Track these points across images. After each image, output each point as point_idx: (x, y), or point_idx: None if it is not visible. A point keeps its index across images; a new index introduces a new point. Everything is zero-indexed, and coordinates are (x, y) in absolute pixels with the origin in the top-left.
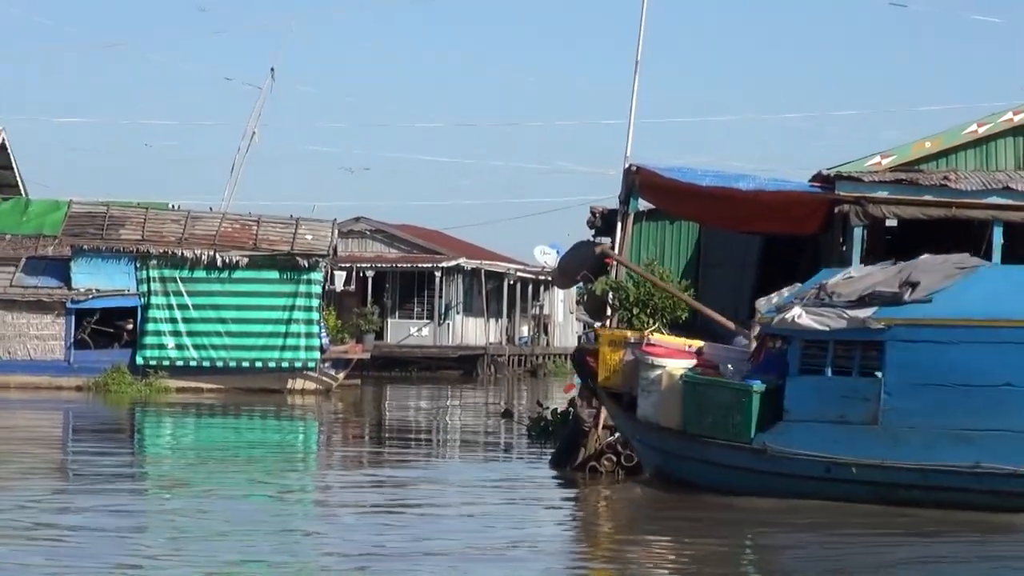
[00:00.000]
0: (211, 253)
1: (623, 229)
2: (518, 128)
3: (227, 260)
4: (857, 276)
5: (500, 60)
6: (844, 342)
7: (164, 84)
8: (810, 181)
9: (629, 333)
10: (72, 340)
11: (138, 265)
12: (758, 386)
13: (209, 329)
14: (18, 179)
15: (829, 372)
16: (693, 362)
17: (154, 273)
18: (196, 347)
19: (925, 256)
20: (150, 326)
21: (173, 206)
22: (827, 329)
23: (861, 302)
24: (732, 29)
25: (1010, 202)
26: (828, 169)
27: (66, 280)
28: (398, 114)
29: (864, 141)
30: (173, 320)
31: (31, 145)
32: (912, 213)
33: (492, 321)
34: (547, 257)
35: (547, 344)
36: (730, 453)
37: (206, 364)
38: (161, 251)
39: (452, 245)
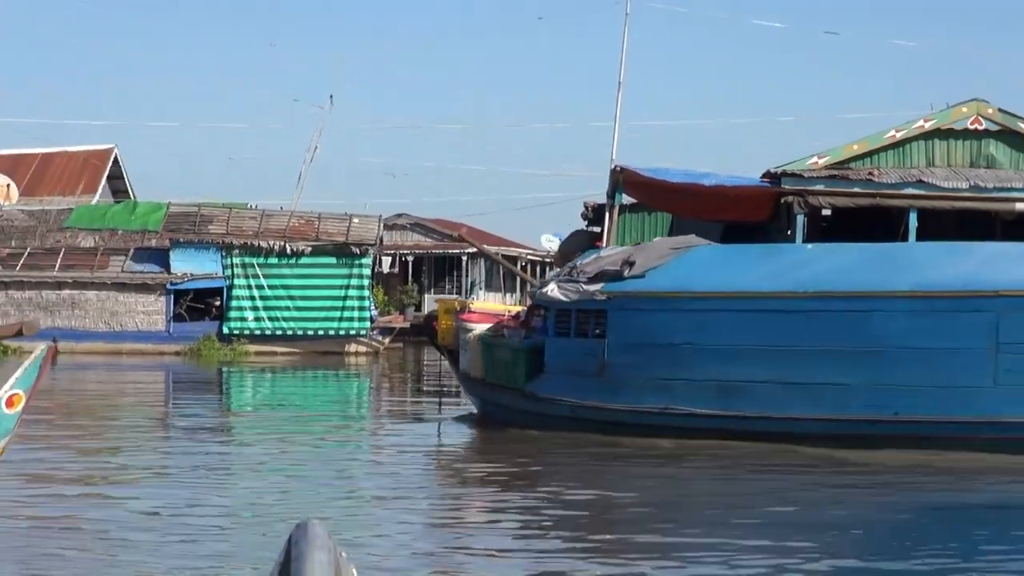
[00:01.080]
0: (282, 243)
1: (610, 219)
2: (525, 133)
3: (294, 249)
4: (603, 256)
5: (509, 75)
6: (581, 311)
7: (243, 104)
8: (761, 178)
9: (457, 302)
10: (171, 315)
11: (224, 254)
12: (526, 345)
13: (281, 304)
14: (128, 185)
15: (572, 335)
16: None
17: (236, 260)
18: (271, 319)
19: (657, 239)
20: (234, 302)
21: (252, 206)
22: (568, 300)
23: (596, 277)
24: (699, 53)
25: (922, 192)
26: (775, 168)
27: (166, 266)
28: (429, 126)
29: (803, 145)
30: (252, 298)
31: (140, 158)
32: (844, 202)
33: (508, 296)
34: (552, 244)
35: None
36: (511, 397)
37: (279, 332)
38: (242, 243)
39: (475, 235)
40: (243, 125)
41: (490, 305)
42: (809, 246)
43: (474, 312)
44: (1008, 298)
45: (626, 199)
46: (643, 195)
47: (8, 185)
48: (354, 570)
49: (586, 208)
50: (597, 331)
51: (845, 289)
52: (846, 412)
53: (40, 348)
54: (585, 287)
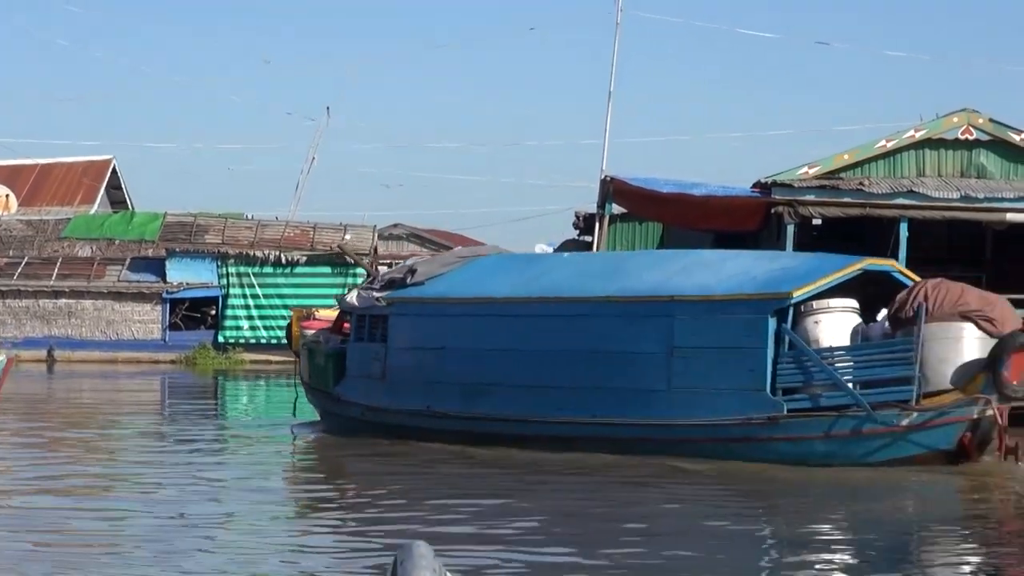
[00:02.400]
0: (277, 253)
1: (600, 229)
2: (519, 149)
3: (289, 258)
4: (406, 265)
5: (502, 90)
6: (371, 316)
7: (243, 115)
8: (751, 188)
9: (304, 311)
10: (167, 323)
11: (219, 263)
12: (332, 350)
13: (275, 313)
14: (126, 196)
15: (366, 339)
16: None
17: (232, 269)
18: (265, 328)
19: (457, 249)
20: (229, 311)
21: (248, 216)
22: (361, 306)
23: (386, 285)
24: (690, 65)
25: (913, 203)
26: (765, 178)
27: (162, 276)
28: (423, 139)
29: (793, 156)
30: (247, 307)
31: (136, 168)
32: (834, 212)
33: None
34: (546, 252)
35: None
36: (325, 400)
37: (274, 341)
38: (237, 252)
39: (470, 244)
40: (241, 139)
41: (334, 313)
42: (566, 255)
43: (315, 320)
44: (679, 303)
45: (617, 209)
46: (633, 205)
47: (7, 195)
48: None
49: (577, 218)
50: (381, 336)
51: (560, 294)
52: (558, 414)
53: None
54: (374, 294)
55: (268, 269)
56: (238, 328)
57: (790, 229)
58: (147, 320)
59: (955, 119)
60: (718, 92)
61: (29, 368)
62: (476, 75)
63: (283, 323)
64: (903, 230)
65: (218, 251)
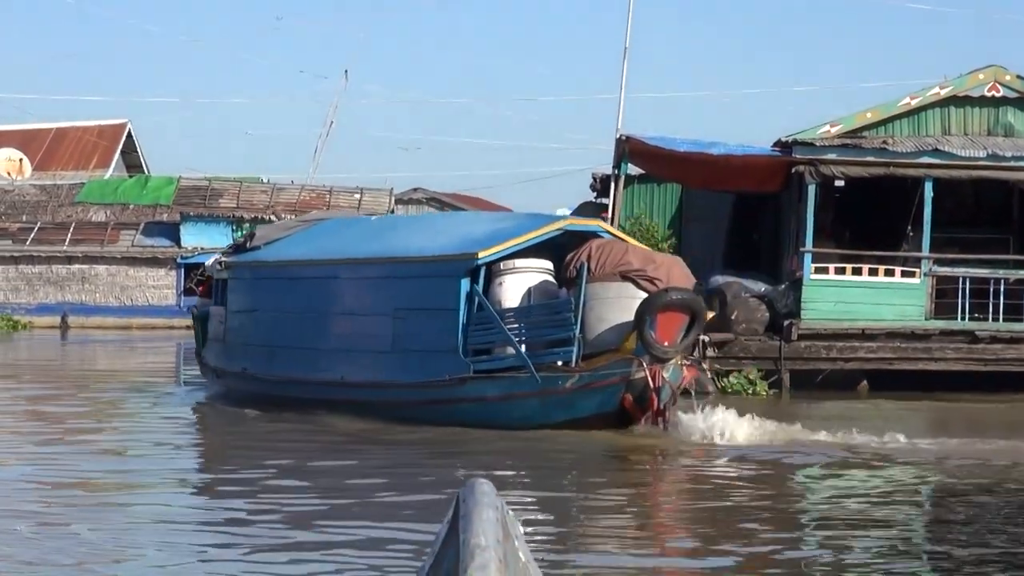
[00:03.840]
0: (292, 217)
1: (615, 190)
2: (538, 111)
3: None
4: (252, 230)
5: (519, 48)
6: (217, 280)
7: (248, 75)
8: (771, 147)
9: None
10: (182, 289)
11: (234, 228)
12: (200, 314)
13: None
14: (142, 160)
15: (216, 303)
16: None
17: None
18: None
19: (313, 213)
20: None
21: (265, 180)
22: (214, 271)
23: (233, 250)
24: (711, 23)
25: (939, 161)
26: (786, 136)
27: (176, 241)
28: (438, 99)
29: (816, 116)
30: None
31: (155, 133)
32: (857, 172)
33: None
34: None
35: None
36: (201, 363)
37: None
38: (252, 216)
39: (491, 208)
40: (258, 103)
41: None
42: (374, 218)
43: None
44: (397, 264)
45: (635, 170)
46: (650, 165)
47: (20, 160)
48: (520, 527)
49: (594, 179)
50: (223, 300)
51: (328, 257)
52: (320, 376)
53: None
54: (217, 257)
55: None
56: None
57: (811, 189)
58: (161, 285)
59: (981, 76)
60: (736, 49)
61: (43, 334)
62: (492, 34)
63: None
64: (928, 190)
65: (233, 215)
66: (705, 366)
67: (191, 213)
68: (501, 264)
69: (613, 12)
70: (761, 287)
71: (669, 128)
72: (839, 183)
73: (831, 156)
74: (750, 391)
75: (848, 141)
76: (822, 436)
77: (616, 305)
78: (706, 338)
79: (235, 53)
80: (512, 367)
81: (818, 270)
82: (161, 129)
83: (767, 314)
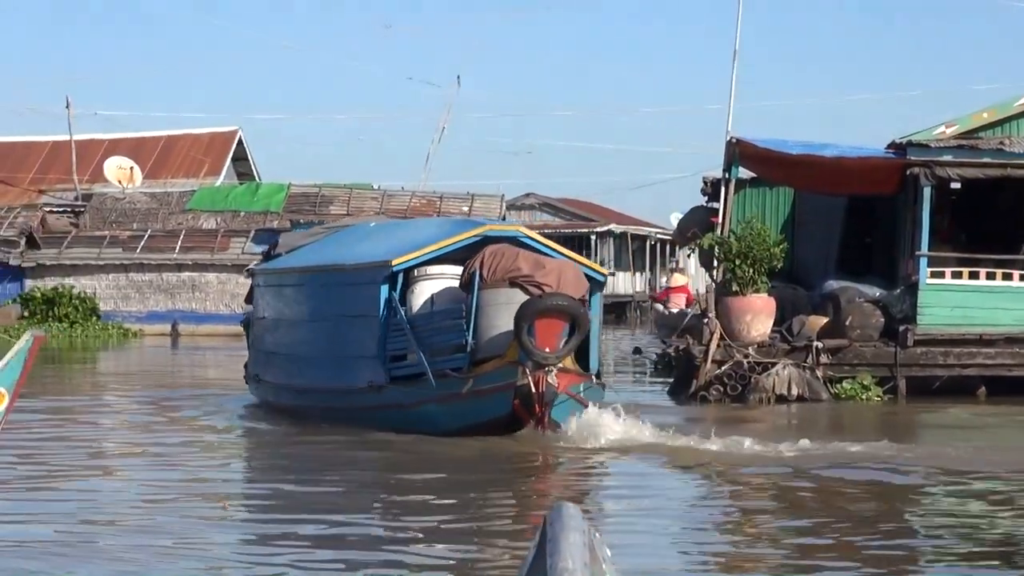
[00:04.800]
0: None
1: (725, 194)
2: (638, 116)
3: None
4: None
5: (623, 58)
6: (250, 287)
7: (358, 82)
8: (885, 149)
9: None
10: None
11: None
12: (244, 320)
13: None
14: (253, 167)
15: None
16: None
17: None
18: None
19: (344, 219)
20: None
21: (376, 186)
22: (249, 278)
23: (264, 257)
24: (818, 25)
25: None
26: (900, 138)
27: None
28: (547, 105)
29: (931, 119)
30: None
31: (267, 140)
32: (973, 173)
33: (638, 275)
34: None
35: (697, 292)
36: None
37: None
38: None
39: (604, 213)
40: (367, 110)
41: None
42: (372, 224)
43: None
44: (331, 273)
45: (746, 173)
46: (760, 168)
47: (131, 168)
48: (607, 550)
49: (705, 183)
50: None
51: (299, 265)
52: (293, 382)
53: (24, 338)
54: (253, 265)
55: None
56: None
57: (927, 191)
58: None
59: None
60: (847, 51)
61: (153, 343)
62: (597, 40)
63: None
64: None
65: (343, 222)
66: (819, 373)
67: (301, 220)
68: (415, 271)
69: (723, 16)
70: (876, 292)
71: (779, 132)
72: (955, 185)
73: (947, 157)
74: (864, 397)
75: (964, 142)
76: (691, 443)
77: (505, 311)
78: (819, 344)
79: (344, 60)
80: (418, 374)
81: (934, 274)
82: (271, 136)
83: (882, 319)
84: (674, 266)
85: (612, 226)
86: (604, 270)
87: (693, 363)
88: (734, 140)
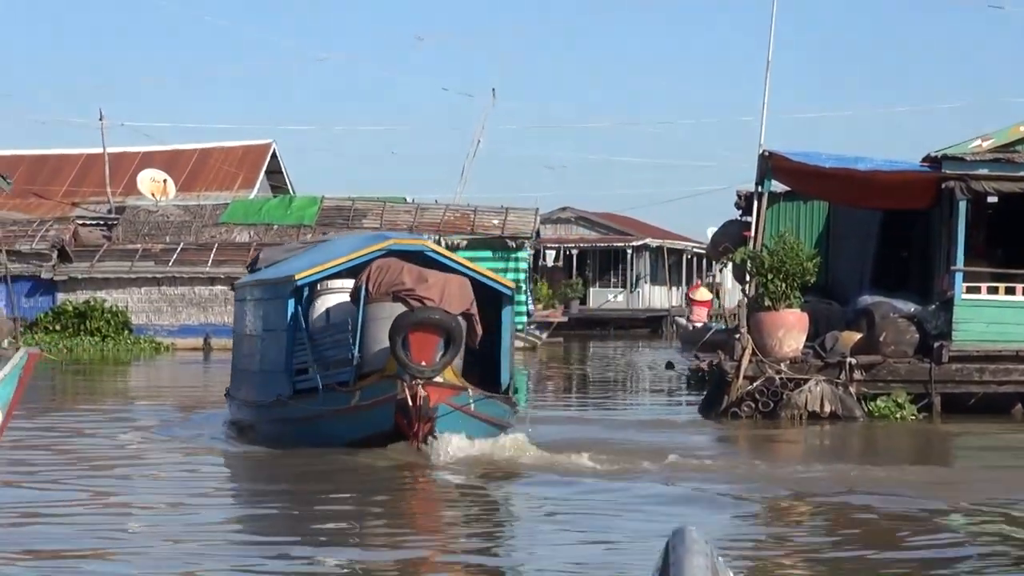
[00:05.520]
0: (436, 237)
1: (758, 207)
2: (684, 129)
3: (449, 243)
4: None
5: (662, 71)
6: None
7: (392, 94)
8: (920, 162)
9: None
10: None
11: None
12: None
13: None
14: (287, 180)
15: None
16: None
17: None
18: None
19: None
20: None
21: (409, 200)
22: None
23: (249, 270)
24: (847, 34)
25: None
26: (936, 152)
27: None
28: (581, 118)
29: (963, 130)
30: None
31: (297, 151)
32: (1010, 188)
33: (674, 289)
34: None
35: (719, 307)
36: None
37: None
38: None
39: (640, 227)
40: (401, 122)
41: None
42: (341, 238)
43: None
44: (252, 288)
45: (781, 187)
46: (794, 181)
47: (165, 180)
48: (730, 573)
49: (739, 197)
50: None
51: (249, 280)
52: (248, 397)
53: (18, 355)
54: (241, 279)
55: None
56: None
57: (962, 206)
58: None
59: None
60: (882, 64)
61: (185, 356)
62: (637, 51)
63: None
64: None
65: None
66: (852, 389)
67: (334, 233)
68: (319, 285)
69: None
70: (911, 307)
71: (812, 145)
72: (991, 199)
73: (983, 171)
74: (898, 415)
75: (1000, 156)
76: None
77: (388, 325)
78: (853, 360)
79: (378, 72)
80: (314, 387)
81: (970, 289)
82: (305, 149)
83: (916, 335)
84: (707, 280)
85: (648, 240)
86: (510, 283)
87: (725, 379)
88: (767, 153)
